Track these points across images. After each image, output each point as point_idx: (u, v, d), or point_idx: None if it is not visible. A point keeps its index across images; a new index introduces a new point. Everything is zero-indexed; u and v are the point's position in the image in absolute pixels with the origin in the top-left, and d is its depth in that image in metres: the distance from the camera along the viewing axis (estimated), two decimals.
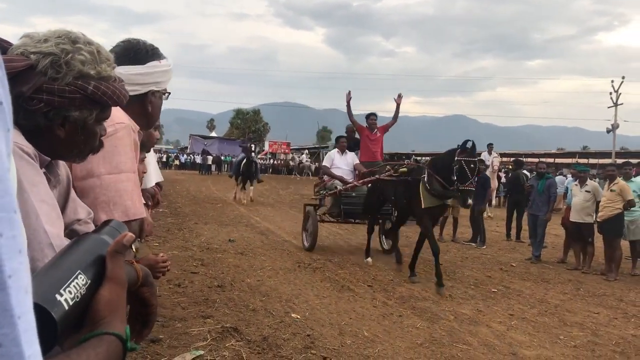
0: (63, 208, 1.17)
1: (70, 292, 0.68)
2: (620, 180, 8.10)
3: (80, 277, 0.71)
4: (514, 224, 11.37)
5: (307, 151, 44.85)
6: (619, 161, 17.17)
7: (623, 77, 35.32)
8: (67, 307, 0.66)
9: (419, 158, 19.77)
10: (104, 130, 1.20)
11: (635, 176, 9.07)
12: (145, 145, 2.24)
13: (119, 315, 0.76)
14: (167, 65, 1.75)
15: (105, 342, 0.71)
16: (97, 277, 0.76)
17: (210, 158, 39.12)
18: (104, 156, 1.28)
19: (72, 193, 1.23)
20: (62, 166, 1.20)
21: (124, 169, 1.42)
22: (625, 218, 8.12)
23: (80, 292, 0.70)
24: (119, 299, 0.77)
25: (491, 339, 4.68)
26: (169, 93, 1.82)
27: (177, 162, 45.98)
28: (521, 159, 14.42)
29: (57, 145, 1.08)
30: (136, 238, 2.06)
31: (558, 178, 15.26)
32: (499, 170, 23.28)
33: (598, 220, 8.22)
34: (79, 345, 0.70)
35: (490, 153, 14.99)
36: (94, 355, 0.68)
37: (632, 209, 8.04)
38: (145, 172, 2.39)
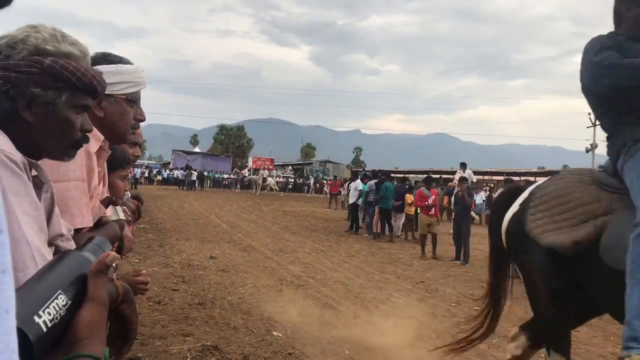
0: (48, 220, 1.14)
1: (49, 314, 0.66)
2: None
3: (61, 298, 0.70)
4: None
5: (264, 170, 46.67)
6: None
7: None
8: (45, 329, 0.65)
9: (400, 175, 19.91)
10: (89, 124, 1.15)
11: None
12: (118, 161, 2.18)
13: (99, 337, 0.74)
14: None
15: None
16: (78, 296, 0.74)
17: (194, 173, 38.97)
18: (52, 164, 1.23)
19: (56, 208, 1.20)
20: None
21: (72, 177, 1.39)
22: None
23: (60, 313, 0.68)
24: (99, 320, 0.75)
25: (473, 357, 4.69)
26: (135, 99, 1.72)
27: (159, 177, 45.61)
28: (511, 177, 14.53)
29: (29, 133, 1.05)
30: (117, 240, 2.01)
31: None
32: (480, 189, 23.58)
33: None
34: None
35: (464, 171, 15.16)
36: None
37: None
38: (127, 190, 2.35)
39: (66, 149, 1.13)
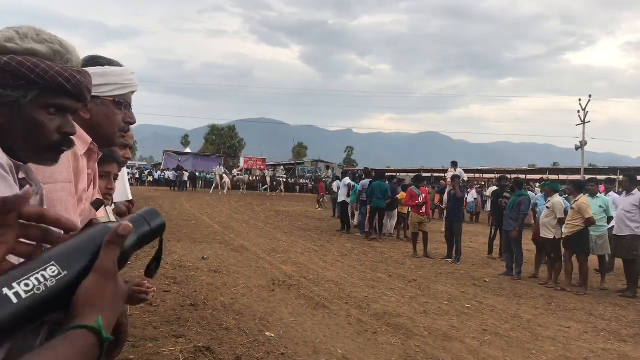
0: None
1: (27, 285, 0.65)
2: (581, 198, 8.25)
3: (51, 269, 0.69)
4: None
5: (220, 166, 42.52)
6: (587, 177, 17.63)
7: (590, 96, 36.43)
8: (16, 300, 0.64)
9: (392, 174, 19.99)
10: (70, 127, 1.12)
11: (603, 192, 9.31)
12: (107, 163, 2.15)
13: (96, 307, 0.72)
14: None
15: (72, 337, 0.67)
16: (88, 269, 0.74)
17: (186, 174, 38.68)
18: (37, 166, 1.18)
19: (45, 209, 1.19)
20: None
21: (59, 179, 1.37)
22: (592, 233, 8.31)
23: (46, 284, 0.67)
24: (98, 290, 0.74)
25: (465, 354, 4.71)
26: (123, 102, 1.69)
27: (150, 178, 45.39)
28: (505, 175, 14.56)
29: (1, 135, 1.02)
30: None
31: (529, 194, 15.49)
32: (472, 187, 23.67)
33: (563, 236, 8.36)
34: (45, 344, 0.66)
35: (455, 169, 15.24)
36: (64, 352, 0.65)
37: (599, 224, 8.25)
38: (111, 188, 2.31)
39: (40, 151, 1.09)
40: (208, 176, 47.02)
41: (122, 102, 1.70)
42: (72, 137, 1.14)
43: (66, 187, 1.42)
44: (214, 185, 36.01)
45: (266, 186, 42.32)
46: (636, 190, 8.06)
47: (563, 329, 5.83)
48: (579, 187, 8.55)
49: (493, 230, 11.62)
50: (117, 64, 1.72)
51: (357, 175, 17.85)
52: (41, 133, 1.07)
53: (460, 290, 7.66)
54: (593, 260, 9.00)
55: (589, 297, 7.71)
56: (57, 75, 1.05)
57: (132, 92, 1.77)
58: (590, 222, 7.92)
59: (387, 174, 16.82)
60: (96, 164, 1.77)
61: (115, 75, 1.67)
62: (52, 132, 1.09)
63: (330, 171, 38.60)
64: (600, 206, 8.49)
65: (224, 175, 36.83)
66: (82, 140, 1.54)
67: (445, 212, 12.60)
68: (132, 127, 2.39)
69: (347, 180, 16.09)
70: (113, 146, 1.88)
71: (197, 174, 43.31)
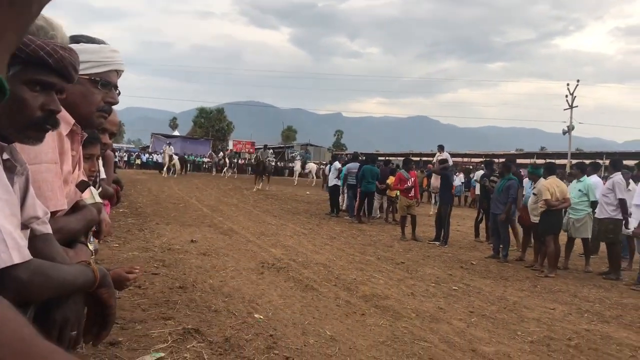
0: (22, 203, 1.12)
1: None
2: (540, 181, 8.50)
3: None
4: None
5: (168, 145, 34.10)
6: (574, 162, 17.81)
7: (578, 81, 36.65)
8: None
9: (382, 158, 20.10)
10: (55, 104, 1.10)
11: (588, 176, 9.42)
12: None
13: None
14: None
15: None
16: None
17: (175, 157, 38.07)
18: (22, 146, 1.17)
19: (31, 189, 1.17)
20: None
21: (44, 159, 1.35)
22: (571, 216, 8.55)
23: None
24: None
25: (452, 335, 4.77)
26: (101, 80, 1.62)
27: (138, 161, 45.09)
28: (492, 159, 14.67)
29: None
30: (95, 224, 1.96)
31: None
32: (460, 171, 23.82)
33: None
34: None
35: (442, 153, 15.30)
36: None
37: (577, 207, 8.44)
38: (95, 170, 2.28)
39: (23, 129, 1.07)
40: (197, 159, 46.75)
41: (99, 81, 1.63)
42: (56, 115, 1.12)
43: (51, 167, 1.39)
44: (165, 167, 31.10)
45: (167, 167, 32.27)
46: (616, 174, 8.22)
47: (548, 310, 5.93)
48: (548, 170, 8.72)
49: (481, 214, 11.72)
50: (100, 42, 1.66)
51: (336, 157, 18.12)
52: (23, 110, 1.06)
53: (447, 272, 7.74)
54: (578, 244, 9.13)
55: (574, 280, 7.83)
56: (39, 49, 1.03)
57: (116, 72, 1.70)
58: (547, 204, 8.08)
59: (379, 159, 16.95)
60: (80, 146, 1.74)
61: (91, 52, 1.60)
62: (35, 109, 1.07)
63: (269, 151, 30.50)
64: (580, 190, 8.64)
65: (174, 156, 32.44)
66: (64, 120, 1.51)
67: (434, 195, 12.67)
68: (120, 109, 2.34)
69: (337, 164, 16.36)
70: (92, 127, 1.81)
71: (185, 157, 43.00)
